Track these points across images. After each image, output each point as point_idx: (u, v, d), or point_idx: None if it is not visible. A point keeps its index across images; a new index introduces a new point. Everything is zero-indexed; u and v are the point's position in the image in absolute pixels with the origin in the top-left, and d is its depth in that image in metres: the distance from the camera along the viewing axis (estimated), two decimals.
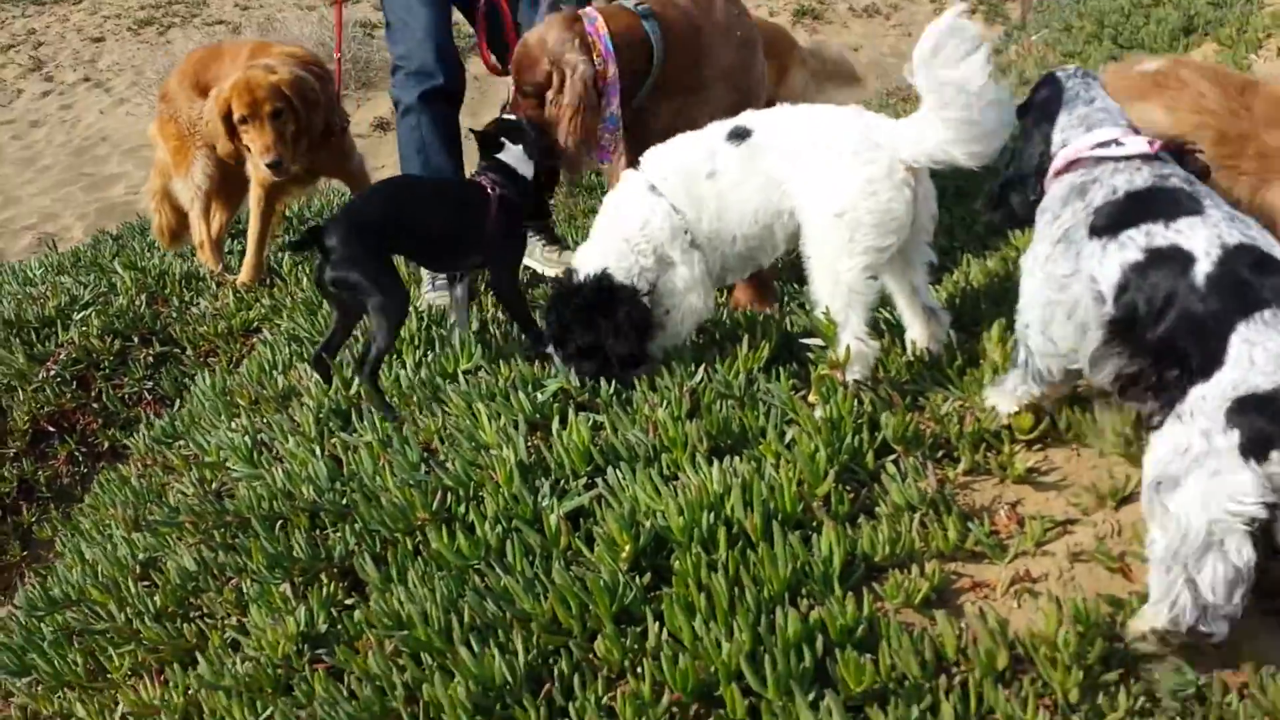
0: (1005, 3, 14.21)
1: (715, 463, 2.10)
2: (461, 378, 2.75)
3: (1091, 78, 2.13)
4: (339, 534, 2.27)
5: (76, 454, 3.87)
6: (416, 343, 3.08)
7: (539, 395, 2.52)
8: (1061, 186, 1.99)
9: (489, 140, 2.97)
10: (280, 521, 2.35)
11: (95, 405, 3.93)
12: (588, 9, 3.08)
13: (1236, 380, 1.58)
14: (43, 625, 2.51)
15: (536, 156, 2.99)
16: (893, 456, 2.11)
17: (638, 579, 1.90)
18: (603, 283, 2.52)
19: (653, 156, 2.60)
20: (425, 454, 2.47)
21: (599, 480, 2.21)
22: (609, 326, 2.50)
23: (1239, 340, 1.60)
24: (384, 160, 11.32)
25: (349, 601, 2.15)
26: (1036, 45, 6.72)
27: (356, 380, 2.77)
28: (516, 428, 2.41)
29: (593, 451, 2.28)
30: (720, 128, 2.54)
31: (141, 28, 17.01)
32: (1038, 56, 6.26)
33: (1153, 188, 1.87)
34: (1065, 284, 1.88)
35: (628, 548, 1.94)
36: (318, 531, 2.33)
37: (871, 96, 7.38)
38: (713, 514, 1.96)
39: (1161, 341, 1.72)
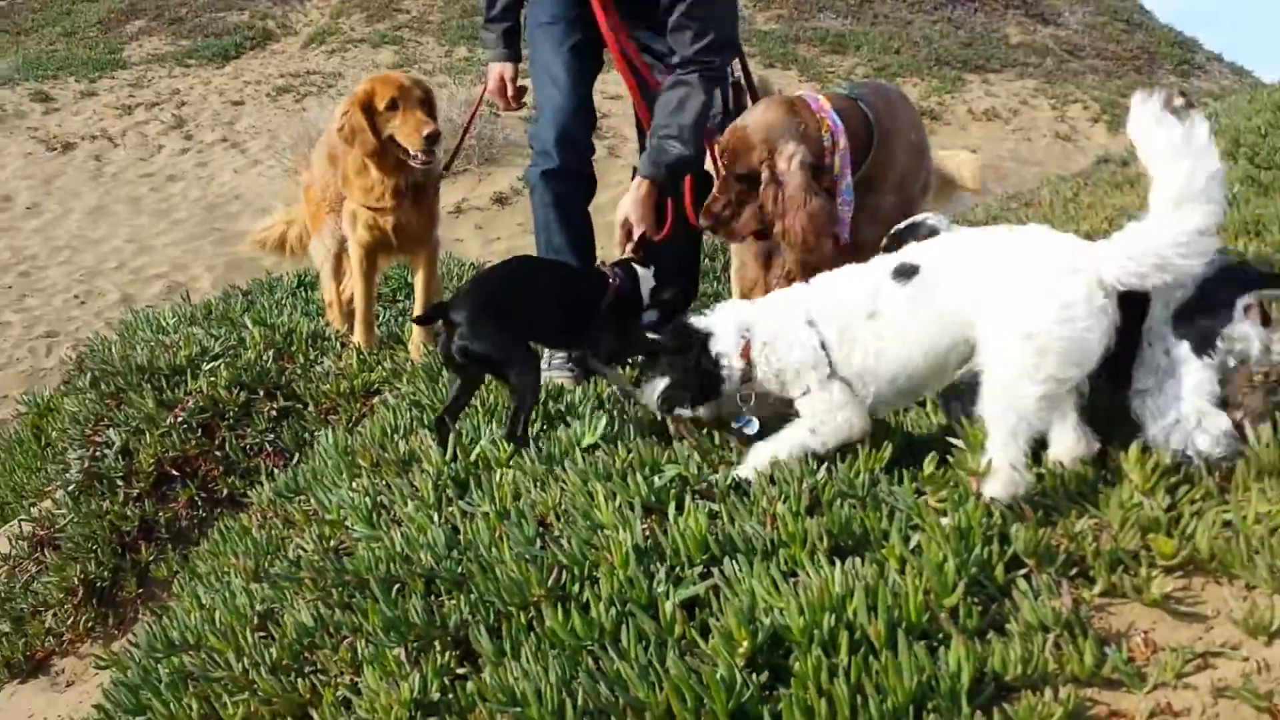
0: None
1: (837, 563, 2.07)
2: (579, 455, 2.77)
3: None
4: (454, 602, 2.29)
5: (196, 499, 4.00)
6: (535, 417, 3.12)
7: (656, 479, 2.53)
8: None
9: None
10: (397, 585, 2.37)
11: (218, 453, 4.06)
12: (805, 92, 3.13)
13: None
14: (160, 667, 2.57)
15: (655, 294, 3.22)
16: (1024, 571, 2.06)
17: (754, 677, 1.87)
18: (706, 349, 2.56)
19: (819, 285, 2.57)
20: (540, 529, 2.48)
21: (714, 570, 2.19)
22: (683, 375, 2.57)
23: None
24: (499, 232, 11.62)
25: (461, 671, 2.15)
26: None
27: (475, 449, 2.83)
28: (633, 510, 2.41)
29: (709, 541, 2.26)
30: (885, 263, 2.46)
31: (279, 95, 17.83)
32: None
33: None
34: None
35: (745, 644, 1.91)
36: (433, 598, 2.35)
37: (991, 201, 7.34)
38: (834, 616, 1.92)
39: None
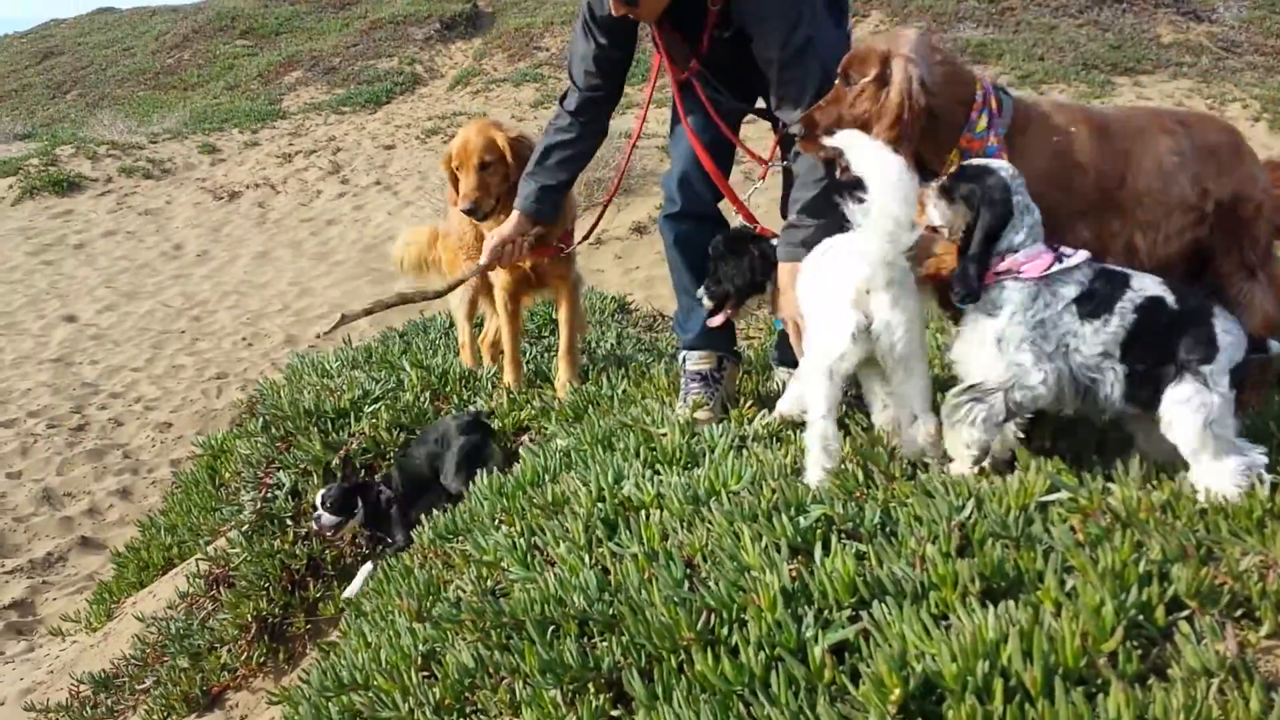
0: None
1: (989, 606, 2.05)
2: (725, 496, 2.80)
3: None
4: (606, 644, 2.34)
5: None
6: (679, 455, 3.18)
7: (801, 520, 2.54)
8: None
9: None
10: (552, 627, 2.45)
11: None
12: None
13: None
14: (330, 705, 2.70)
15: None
16: (1186, 613, 1.99)
17: None
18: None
19: None
20: (688, 570, 2.52)
21: (863, 614, 2.19)
22: None
23: None
24: (638, 261, 11.79)
25: (615, 714, 2.20)
26: None
27: (625, 488, 2.91)
28: (779, 551, 2.43)
29: (857, 583, 2.26)
30: None
31: (428, 137, 18.52)
32: None
33: None
34: None
35: (896, 690, 1.91)
36: (586, 640, 2.41)
37: None
38: (988, 663, 1.90)
39: None
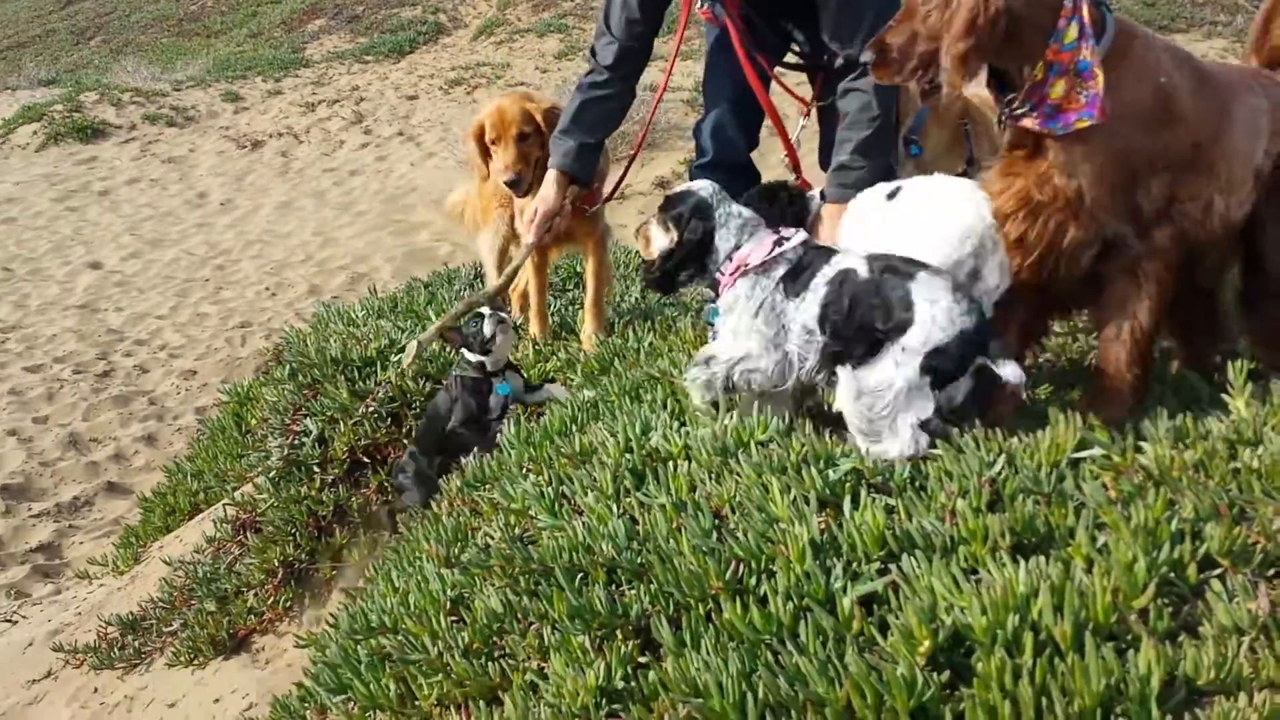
0: None
1: (1020, 561, 2.05)
2: (754, 448, 2.80)
3: None
4: (634, 592, 2.36)
5: (386, 484, 4.20)
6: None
7: (831, 473, 2.54)
8: None
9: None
10: (580, 574, 2.46)
11: (405, 442, 4.26)
12: None
13: None
14: (359, 648, 2.73)
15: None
16: (1218, 572, 1.99)
17: (936, 676, 1.87)
18: None
19: None
20: (716, 521, 2.53)
21: (892, 566, 2.20)
22: None
23: None
24: None
25: (643, 660, 2.22)
26: None
27: (652, 439, 2.91)
28: (808, 504, 2.43)
29: (886, 536, 2.26)
30: None
31: (451, 88, 18.41)
32: None
33: None
34: None
35: (926, 642, 1.91)
36: (614, 587, 2.43)
37: None
38: (1018, 616, 1.90)
39: None
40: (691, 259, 2.90)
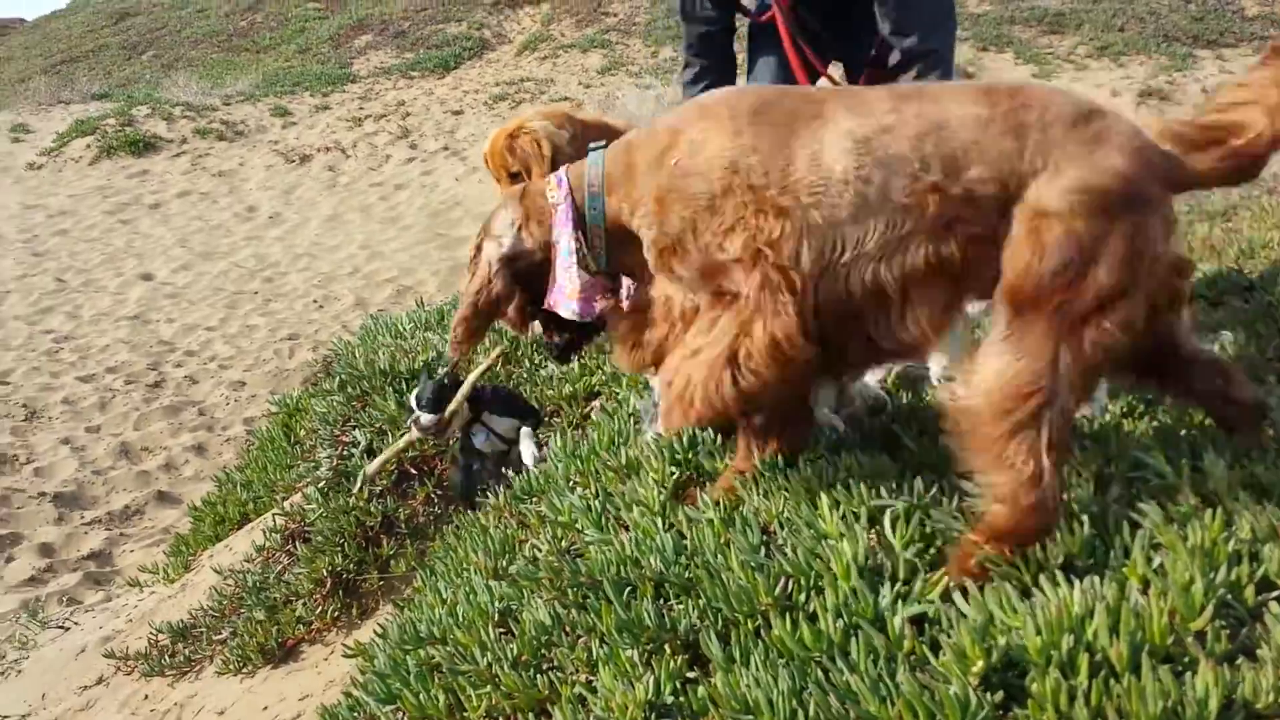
0: None
1: (1075, 582, 2.03)
2: (802, 463, 2.79)
3: None
4: (683, 607, 2.36)
5: (432, 495, 4.24)
6: None
7: (881, 489, 2.53)
8: None
9: None
10: (628, 588, 2.47)
11: (452, 454, 4.29)
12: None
13: None
14: (408, 658, 2.76)
15: None
16: (1276, 594, 1.96)
17: (989, 696, 1.86)
18: None
19: None
20: (764, 536, 2.53)
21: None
22: None
23: None
24: None
25: (691, 675, 2.22)
26: None
27: (698, 455, 2.91)
28: (857, 520, 2.42)
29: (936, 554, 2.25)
30: None
31: (496, 102, 18.56)
32: None
33: None
34: None
35: (979, 662, 1.90)
36: (662, 602, 2.43)
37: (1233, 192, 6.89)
38: (1073, 637, 1.88)
39: None
40: None
